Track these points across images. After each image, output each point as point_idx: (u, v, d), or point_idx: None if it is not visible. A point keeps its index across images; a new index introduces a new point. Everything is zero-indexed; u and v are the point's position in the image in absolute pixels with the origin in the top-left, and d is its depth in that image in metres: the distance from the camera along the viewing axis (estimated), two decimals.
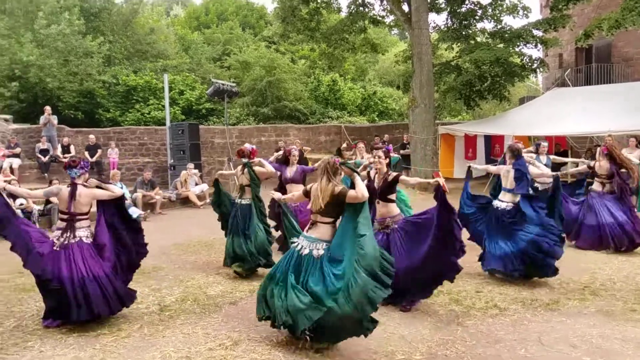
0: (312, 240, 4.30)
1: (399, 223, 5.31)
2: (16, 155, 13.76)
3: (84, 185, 4.97)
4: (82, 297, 4.63)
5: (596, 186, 8.33)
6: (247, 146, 6.82)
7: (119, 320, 4.95)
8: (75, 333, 4.63)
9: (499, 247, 6.19)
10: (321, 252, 4.23)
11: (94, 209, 5.10)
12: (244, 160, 6.73)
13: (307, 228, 4.45)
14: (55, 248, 4.77)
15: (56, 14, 19.95)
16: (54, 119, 14.94)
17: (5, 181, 9.91)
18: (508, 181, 6.39)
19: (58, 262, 4.69)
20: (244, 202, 6.69)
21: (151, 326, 4.81)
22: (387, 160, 5.43)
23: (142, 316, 5.08)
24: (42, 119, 14.73)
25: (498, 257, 6.16)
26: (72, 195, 4.83)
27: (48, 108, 14.97)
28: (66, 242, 4.79)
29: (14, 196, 9.87)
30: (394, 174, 5.38)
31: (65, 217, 4.87)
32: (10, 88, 18.88)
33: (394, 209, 5.41)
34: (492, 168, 7.08)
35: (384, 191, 5.35)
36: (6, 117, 17.38)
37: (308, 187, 4.59)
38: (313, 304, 4.01)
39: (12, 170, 12.72)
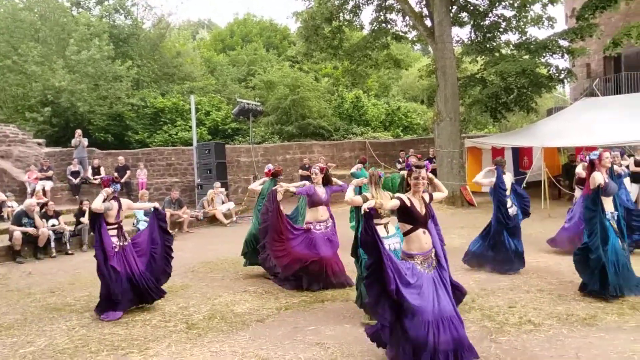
0: (392, 236, 4.99)
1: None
2: (49, 178, 14.15)
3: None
4: (138, 288, 5.83)
5: None
6: (270, 166, 7.94)
7: (147, 339, 4.96)
8: (105, 352, 4.67)
9: None
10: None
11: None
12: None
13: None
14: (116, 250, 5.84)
15: (86, 41, 20.60)
16: (85, 141, 15.32)
17: (38, 203, 10.26)
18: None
19: (124, 260, 5.83)
20: None
21: (179, 344, 4.80)
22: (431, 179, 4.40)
23: (170, 334, 5.08)
24: (73, 141, 15.14)
25: None
26: (120, 206, 5.99)
27: (79, 131, 15.40)
28: (122, 244, 5.90)
29: (47, 217, 10.13)
30: (427, 193, 4.26)
31: (114, 226, 5.92)
32: (43, 113, 19.53)
33: None
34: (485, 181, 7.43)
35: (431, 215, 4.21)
36: (39, 140, 17.97)
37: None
38: None
39: (44, 193, 13.06)
